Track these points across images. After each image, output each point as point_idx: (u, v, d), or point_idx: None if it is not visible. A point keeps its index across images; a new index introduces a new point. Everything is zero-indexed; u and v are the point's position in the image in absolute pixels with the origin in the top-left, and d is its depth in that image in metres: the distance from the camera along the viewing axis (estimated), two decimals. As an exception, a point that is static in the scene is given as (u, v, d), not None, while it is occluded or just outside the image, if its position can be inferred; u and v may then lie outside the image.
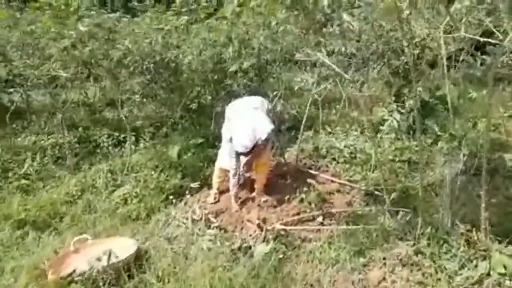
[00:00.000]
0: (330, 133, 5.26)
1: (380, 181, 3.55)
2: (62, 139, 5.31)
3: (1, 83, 5.79)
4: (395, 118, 4.86)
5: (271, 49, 4.91)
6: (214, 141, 5.10)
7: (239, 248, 3.01)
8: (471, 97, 6.11)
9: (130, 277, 2.73)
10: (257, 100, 3.88)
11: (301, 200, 3.61)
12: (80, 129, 6.00)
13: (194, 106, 5.76)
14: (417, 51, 4.94)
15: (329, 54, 4.14)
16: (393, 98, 5.33)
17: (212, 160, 4.38)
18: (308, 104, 4.47)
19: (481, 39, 2.52)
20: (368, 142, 4.74)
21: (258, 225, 3.24)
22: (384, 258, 2.75)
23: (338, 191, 3.89)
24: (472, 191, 3.36)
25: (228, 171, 3.76)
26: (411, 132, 4.91)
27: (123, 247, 2.88)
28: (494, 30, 2.54)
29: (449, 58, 5.47)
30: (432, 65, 5.98)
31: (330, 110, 6.35)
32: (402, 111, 4.99)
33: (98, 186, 4.34)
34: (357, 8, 2.49)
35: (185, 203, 3.85)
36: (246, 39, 4.68)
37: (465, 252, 2.59)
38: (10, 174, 4.65)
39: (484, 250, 2.56)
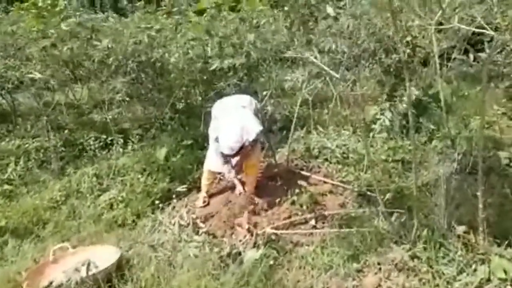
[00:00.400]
0: (322, 133, 5.15)
1: (373, 181, 3.45)
2: (47, 143, 5.15)
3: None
4: (387, 117, 4.76)
5: (260, 47, 4.79)
6: (203, 142, 4.96)
7: (228, 255, 2.88)
8: (464, 95, 6.03)
9: (111, 288, 2.60)
10: (245, 99, 3.76)
11: (293, 203, 3.50)
12: (66, 131, 5.83)
13: (183, 106, 5.63)
14: (409, 49, 4.85)
15: (320, 52, 4.05)
16: (385, 97, 5.24)
17: (201, 162, 4.24)
18: (298, 103, 4.35)
19: (476, 30, 2.42)
20: (361, 141, 4.63)
21: (248, 230, 3.12)
22: (379, 263, 2.64)
23: (331, 192, 3.78)
24: (467, 191, 3.25)
25: (217, 173, 3.63)
26: (404, 131, 4.82)
27: (104, 255, 2.74)
28: (486, 26, 2.45)
29: (441, 56, 5.40)
30: (425, 63, 5.92)
31: (322, 109, 6.24)
32: (395, 109, 4.90)
33: (83, 191, 4.19)
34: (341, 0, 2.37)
35: (173, 208, 3.71)
36: (227, 35, 4.54)
37: (463, 256, 2.49)
38: (-8, 179, 4.47)
39: (483, 254, 2.46)
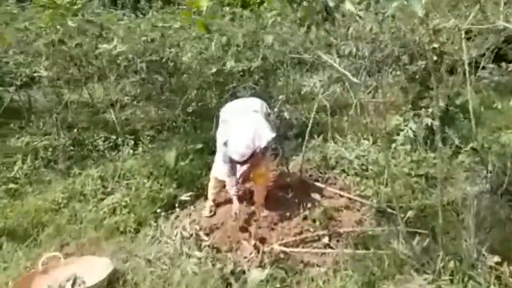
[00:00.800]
0: (339, 141, 4.86)
1: (394, 197, 3.15)
2: (57, 141, 5.04)
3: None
4: (411, 128, 4.43)
5: (278, 50, 4.57)
6: (213, 146, 4.76)
7: (232, 272, 2.65)
8: (495, 106, 5.65)
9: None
10: (257, 103, 3.52)
11: (305, 217, 3.26)
12: (75, 130, 5.70)
13: (196, 108, 5.43)
14: (435, 55, 4.54)
15: (340, 56, 3.79)
16: (410, 106, 4.91)
17: (210, 168, 4.03)
18: (314, 109, 4.09)
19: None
20: (381, 153, 4.32)
21: (255, 246, 2.88)
22: (397, 294, 2.36)
23: (347, 207, 3.51)
24: (500, 214, 2.93)
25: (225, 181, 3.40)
26: (428, 142, 4.48)
27: (97, 268, 2.54)
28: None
29: (469, 64, 5.07)
30: (451, 70, 5.57)
31: (341, 116, 5.94)
32: (419, 120, 4.57)
33: (87, 194, 4.04)
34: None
35: (177, 217, 3.50)
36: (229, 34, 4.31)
37: (496, 292, 2.19)
38: (-2, 177, 4.37)
39: (519, 290, 2.16)
